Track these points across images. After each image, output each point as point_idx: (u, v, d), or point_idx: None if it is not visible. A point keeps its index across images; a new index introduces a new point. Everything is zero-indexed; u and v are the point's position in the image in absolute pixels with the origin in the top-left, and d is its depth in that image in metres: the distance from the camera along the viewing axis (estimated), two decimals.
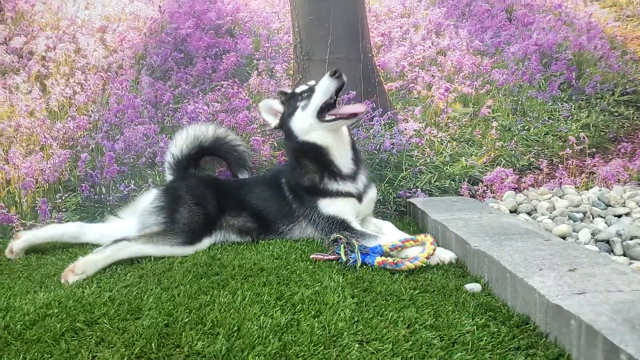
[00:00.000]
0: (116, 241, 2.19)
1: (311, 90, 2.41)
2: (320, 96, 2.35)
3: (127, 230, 2.41)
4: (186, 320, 1.49)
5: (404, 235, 2.33)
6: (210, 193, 2.53)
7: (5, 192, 3.04)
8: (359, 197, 2.46)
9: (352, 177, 2.44)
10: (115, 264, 2.14)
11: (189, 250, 2.30)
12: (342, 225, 2.30)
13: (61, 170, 3.08)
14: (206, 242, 2.40)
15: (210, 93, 3.22)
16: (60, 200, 3.06)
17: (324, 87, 2.34)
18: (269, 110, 2.59)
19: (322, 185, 2.40)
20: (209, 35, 3.29)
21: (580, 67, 3.42)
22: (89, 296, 1.71)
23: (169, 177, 2.83)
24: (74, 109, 3.15)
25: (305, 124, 2.39)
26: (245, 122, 3.19)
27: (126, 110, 3.16)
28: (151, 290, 1.76)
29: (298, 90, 2.50)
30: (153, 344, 1.35)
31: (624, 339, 1.08)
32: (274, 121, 2.58)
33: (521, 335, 1.38)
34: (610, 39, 3.43)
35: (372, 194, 2.57)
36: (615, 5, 3.49)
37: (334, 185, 2.40)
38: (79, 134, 3.13)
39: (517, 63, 3.40)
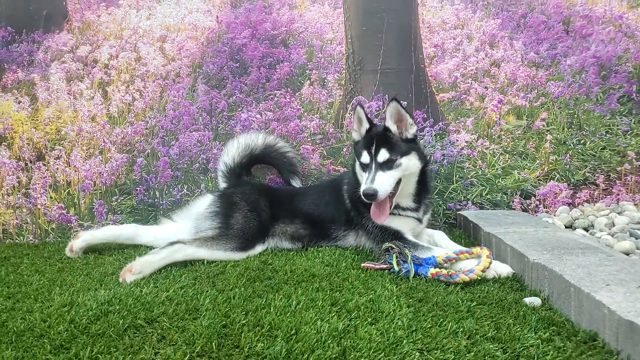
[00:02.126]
0: (172, 243, 2.24)
1: (363, 162, 2.36)
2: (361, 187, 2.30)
3: (180, 233, 2.48)
4: (243, 321, 1.51)
5: (458, 247, 2.29)
6: (264, 200, 2.57)
7: (65, 194, 3.19)
8: (418, 219, 2.49)
9: (411, 209, 2.46)
10: (170, 266, 2.19)
11: (241, 255, 2.34)
12: (395, 235, 2.30)
13: (118, 174, 3.21)
14: (259, 249, 2.44)
15: (263, 102, 3.29)
16: (115, 202, 3.18)
17: (362, 186, 2.29)
18: (359, 120, 2.44)
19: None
20: (264, 45, 3.37)
21: None
22: (147, 295, 1.76)
23: (222, 185, 2.89)
24: (133, 115, 3.29)
25: (359, 171, 2.42)
26: (296, 130, 3.24)
27: (182, 117, 3.27)
28: (207, 291, 1.80)
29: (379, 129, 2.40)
30: (213, 344, 1.37)
31: None
32: (356, 136, 2.48)
33: (589, 352, 1.33)
34: None
35: (427, 216, 2.59)
36: None
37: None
38: (136, 139, 3.25)
39: (573, 75, 3.29)
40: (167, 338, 1.43)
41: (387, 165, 2.28)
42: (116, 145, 3.25)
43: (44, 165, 3.21)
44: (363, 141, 2.40)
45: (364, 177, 2.32)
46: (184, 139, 3.23)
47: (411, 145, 2.36)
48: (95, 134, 3.25)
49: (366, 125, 2.41)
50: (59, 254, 2.63)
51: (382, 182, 2.24)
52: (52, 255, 2.63)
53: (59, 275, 2.19)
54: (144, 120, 3.28)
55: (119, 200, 3.19)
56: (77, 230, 3.01)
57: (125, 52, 3.39)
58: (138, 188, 3.19)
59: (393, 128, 2.35)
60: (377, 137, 2.33)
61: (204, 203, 2.58)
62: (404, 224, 2.39)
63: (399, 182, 2.33)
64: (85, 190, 3.18)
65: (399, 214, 2.42)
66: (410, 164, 2.34)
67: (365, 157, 2.33)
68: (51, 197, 3.18)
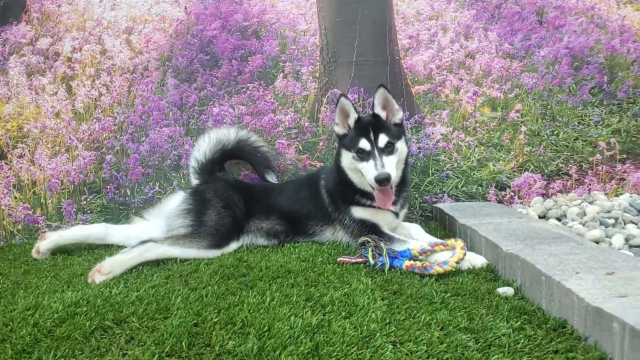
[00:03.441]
0: (143, 242, 2.20)
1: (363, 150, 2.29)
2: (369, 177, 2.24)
3: (153, 232, 2.43)
4: (215, 320, 1.48)
5: (433, 239, 2.29)
6: (238, 196, 2.53)
7: (31, 194, 3.08)
8: (395, 213, 2.45)
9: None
10: (141, 265, 2.14)
11: (215, 253, 2.30)
12: (372, 228, 2.30)
13: (86, 172, 3.11)
14: (233, 246, 2.40)
15: (235, 95, 3.23)
16: (85, 202, 3.09)
17: (371, 171, 2.22)
18: (344, 112, 2.38)
19: (355, 199, 2.40)
20: (235, 37, 3.30)
21: (612, 71, 3.33)
22: (117, 296, 1.71)
23: (194, 181, 2.83)
24: (100, 111, 3.19)
25: (353, 167, 2.34)
26: (270, 125, 3.19)
27: (151, 112, 3.18)
28: (179, 290, 1.76)
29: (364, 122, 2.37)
30: (183, 343, 1.34)
31: None
32: (340, 129, 2.41)
33: (559, 339, 1.35)
34: None
35: (405, 210, 2.59)
36: None
37: (367, 202, 2.39)
38: (104, 135, 3.16)
39: (547, 67, 3.33)
40: (135, 339, 1.39)
41: (388, 149, 2.26)
42: (83, 142, 3.15)
43: (7, 164, 3.09)
44: (356, 130, 2.32)
45: (367, 166, 2.23)
46: (154, 135, 3.14)
47: (400, 129, 2.38)
48: (60, 131, 3.14)
49: (354, 115, 2.36)
50: (25, 255, 2.54)
51: (391, 166, 2.23)
52: (18, 257, 2.54)
53: (24, 277, 2.12)
54: (112, 116, 3.18)
55: (88, 199, 3.10)
56: (44, 231, 2.91)
57: (89, 45, 3.27)
58: (108, 186, 3.10)
59: (382, 114, 2.35)
60: (371, 124, 2.29)
61: (176, 200, 2.53)
62: (381, 218, 2.38)
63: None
64: (52, 190, 3.07)
65: (371, 205, 2.38)
66: (403, 148, 2.36)
67: (365, 144, 2.25)
68: (15, 198, 3.07)
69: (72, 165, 3.10)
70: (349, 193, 2.41)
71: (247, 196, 2.56)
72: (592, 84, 3.31)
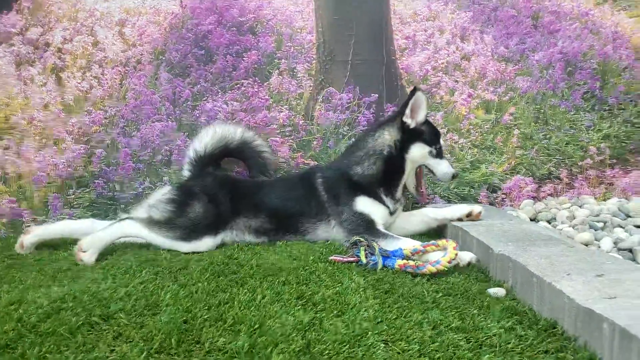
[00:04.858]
0: (121, 219, 2.30)
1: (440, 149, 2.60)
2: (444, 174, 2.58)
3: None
4: (205, 317, 1.46)
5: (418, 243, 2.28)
6: (225, 193, 2.50)
7: (17, 187, 3.02)
8: (392, 213, 2.54)
9: (396, 201, 2.58)
10: (130, 262, 2.09)
11: (183, 245, 2.31)
12: (368, 223, 2.35)
13: (75, 166, 3.06)
14: (207, 242, 2.36)
15: (229, 91, 3.19)
16: (72, 196, 3.04)
17: (445, 169, 2.58)
18: (418, 106, 2.50)
19: (372, 187, 2.49)
20: (231, 33, 3.26)
21: (604, 77, 3.36)
22: (105, 291, 1.68)
23: (186, 172, 2.80)
24: (90, 104, 3.14)
25: (423, 157, 2.56)
26: (264, 122, 3.16)
27: (143, 106, 3.14)
28: (168, 286, 1.73)
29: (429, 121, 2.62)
30: (173, 340, 1.32)
31: None
32: (410, 121, 2.51)
33: (549, 339, 1.35)
34: (635, 49, 3.37)
35: (400, 210, 2.67)
36: None
37: (381, 195, 2.51)
38: (94, 129, 3.11)
39: (541, 71, 3.35)
40: (123, 335, 1.36)
41: None
42: (72, 135, 3.09)
43: None
44: (432, 129, 2.58)
45: (441, 162, 2.55)
46: (145, 130, 3.10)
47: None
48: (48, 123, 3.08)
49: (425, 112, 2.55)
50: (9, 250, 2.49)
51: None
52: (1, 251, 2.48)
53: (7, 271, 2.07)
54: (103, 109, 3.13)
55: (76, 194, 3.05)
56: (28, 225, 2.85)
57: (80, 36, 3.20)
58: (97, 181, 3.05)
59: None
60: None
61: (162, 192, 2.55)
62: (380, 214, 2.43)
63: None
64: (38, 183, 3.02)
65: (381, 198, 2.49)
66: None
67: (443, 143, 2.61)
68: (0, 191, 3.01)
69: (60, 159, 3.05)
70: (374, 178, 2.50)
71: (235, 193, 2.53)
72: (585, 89, 3.34)
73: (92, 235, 2.19)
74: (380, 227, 2.35)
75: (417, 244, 2.07)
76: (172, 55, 3.22)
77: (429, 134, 2.53)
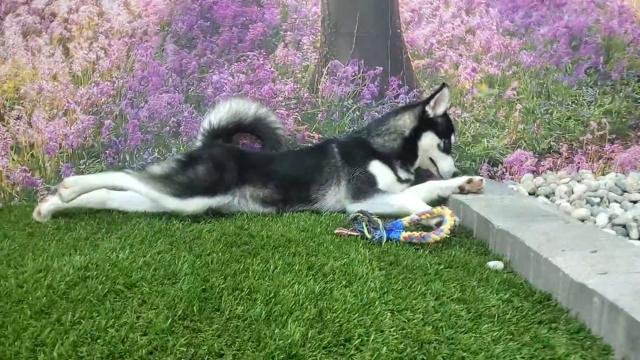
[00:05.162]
0: (116, 170, 2.44)
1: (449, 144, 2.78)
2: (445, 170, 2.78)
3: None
4: (223, 286, 1.55)
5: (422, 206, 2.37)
6: (233, 163, 2.56)
7: (29, 156, 3.08)
8: (401, 181, 2.70)
9: (407, 179, 2.73)
10: (145, 231, 2.17)
11: (174, 202, 2.35)
12: (372, 183, 2.52)
13: (85, 136, 3.11)
14: (199, 202, 2.40)
15: (235, 63, 3.21)
16: (84, 166, 3.11)
17: (447, 166, 2.77)
18: (442, 100, 2.69)
19: (390, 157, 2.65)
20: (236, 4, 3.25)
21: (608, 52, 3.37)
22: (124, 260, 1.76)
23: (198, 143, 2.89)
24: (98, 75, 3.16)
25: (432, 148, 2.74)
26: (270, 94, 3.19)
27: (151, 77, 3.16)
28: (184, 257, 1.81)
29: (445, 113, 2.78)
30: (194, 307, 1.40)
31: None
32: (431, 112, 2.69)
33: (543, 311, 1.45)
34: None
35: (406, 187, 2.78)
36: None
37: (396, 165, 2.68)
38: (103, 100, 3.14)
39: (545, 45, 3.35)
40: (147, 302, 1.45)
41: None
42: (81, 106, 3.13)
43: (4, 125, 3.07)
44: (448, 122, 2.74)
45: (447, 158, 2.73)
46: (153, 101, 3.13)
47: None
48: (57, 94, 3.12)
49: (446, 106, 2.72)
50: (27, 218, 2.56)
51: None
52: (20, 219, 2.56)
53: (29, 240, 2.14)
54: (111, 81, 3.16)
55: (87, 164, 3.11)
56: (43, 194, 2.94)
57: (86, 6, 3.18)
58: (107, 151, 3.11)
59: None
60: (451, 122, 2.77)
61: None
62: (386, 179, 2.59)
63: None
64: (50, 153, 3.08)
65: (394, 167, 2.66)
66: None
67: (452, 140, 2.77)
68: (13, 160, 3.07)
69: (70, 129, 3.10)
70: (395, 149, 2.68)
71: (243, 163, 2.58)
72: (589, 64, 3.35)
73: (81, 176, 2.26)
74: (381, 187, 2.51)
75: (412, 214, 2.14)
76: (178, 27, 3.21)
77: (442, 127, 2.70)
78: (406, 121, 2.71)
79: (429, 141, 2.70)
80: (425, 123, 2.68)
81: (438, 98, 2.66)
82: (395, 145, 2.67)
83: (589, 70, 3.36)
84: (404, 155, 2.70)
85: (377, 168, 2.58)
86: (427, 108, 2.68)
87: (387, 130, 2.70)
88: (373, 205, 2.39)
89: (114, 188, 2.38)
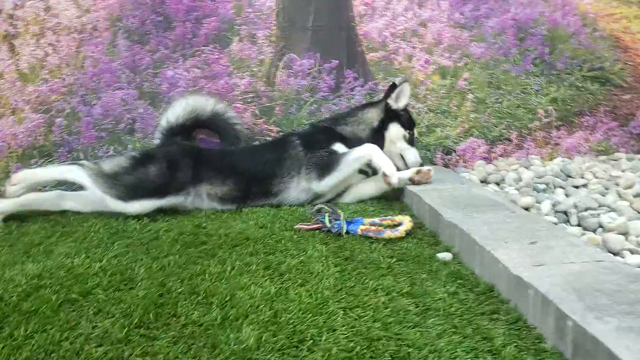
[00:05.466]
0: (73, 163, 2.38)
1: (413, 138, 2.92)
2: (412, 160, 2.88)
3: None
4: (179, 290, 1.56)
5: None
6: (187, 161, 2.53)
7: None
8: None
9: (366, 171, 2.74)
10: (100, 233, 2.15)
11: (119, 205, 2.34)
12: (332, 154, 2.59)
13: (35, 135, 3.02)
14: (145, 205, 2.38)
15: (190, 58, 3.16)
16: (35, 165, 3.01)
17: (413, 157, 2.88)
18: (403, 94, 2.82)
19: (355, 143, 2.67)
20: None
21: (553, 43, 3.52)
22: (80, 267, 1.74)
23: (156, 140, 2.86)
24: (47, 72, 3.05)
25: (398, 138, 2.86)
26: (226, 89, 3.17)
27: (103, 74, 3.07)
28: (141, 260, 1.81)
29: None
30: (151, 314, 1.41)
31: (572, 307, 1.24)
32: (394, 104, 2.83)
33: (487, 302, 1.52)
34: (582, 16, 3.53)
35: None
36: None
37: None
38: (53, 98, 3.04)
39: (494, 37, 3.47)
40: (103, 311, 1.44)
41: None
42: (30, 104, 3.02)
43: None
44: (410, 116, 2.91)
45: (411, 150, 2.86)
46: (106, 98, 3.06)
47: None
48: (4, 92, 2.99)
49: (407, 101, 2.86)
50: None
51: None
52: None
53: None
54: (61, 78, 3.05)
55: (39, 163, 3.02)
56: None
57: (32, 1, 3.06)
58: (59, 150, 3.03)
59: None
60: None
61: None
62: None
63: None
64: None
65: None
66: None
67: (415, 132, 2.93)
68: None
69: (20, 128, 2.99)
70: (352, 140, 2.72)
71: (199, 161, 2.56)
72: (535, 54, 3.50)
73: (30, 170, 2.21)
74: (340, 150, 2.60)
75: (375, 218, 2.21)
76: (129, 22, 3.13)
77: (406, 119, 2.86)
78: (374, 114, 2.83)
79: (395, 132, 2.81)
80: (390, 115, 2.82)
81: (399, 92, 2.80)
82: (364, 135, 2.76)
83: (536, 61, 3.50)
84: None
85: (341, 148, 2.64)
86: (389, 101, 2.81)
87: (356, 121, 2.81)
88: (341, 172, 2.50)
89: (65, 181, 2.34)
